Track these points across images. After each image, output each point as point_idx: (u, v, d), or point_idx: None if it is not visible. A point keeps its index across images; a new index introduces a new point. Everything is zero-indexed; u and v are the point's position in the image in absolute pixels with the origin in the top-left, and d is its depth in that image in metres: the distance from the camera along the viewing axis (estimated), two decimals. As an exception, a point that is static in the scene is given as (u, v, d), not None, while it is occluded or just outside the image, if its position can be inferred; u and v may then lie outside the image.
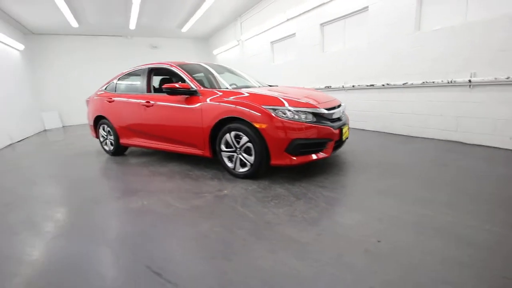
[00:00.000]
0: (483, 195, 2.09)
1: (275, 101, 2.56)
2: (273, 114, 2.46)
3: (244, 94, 2.81)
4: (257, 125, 2.50)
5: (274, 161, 2.53)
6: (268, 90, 3.06)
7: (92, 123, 4.40)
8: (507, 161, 2.84)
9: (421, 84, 3.94)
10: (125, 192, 2.64)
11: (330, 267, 1.37)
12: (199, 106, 2.92)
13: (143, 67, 3.76)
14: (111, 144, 4.22)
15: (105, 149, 4.40)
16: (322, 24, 5.66)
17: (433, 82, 3.78)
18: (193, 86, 3.03)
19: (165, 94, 3.35)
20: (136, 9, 7.18)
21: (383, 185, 2.41)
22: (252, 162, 2.64)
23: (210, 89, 3.02)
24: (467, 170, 2.66)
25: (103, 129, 4.27)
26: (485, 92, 3.30)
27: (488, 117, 3.32)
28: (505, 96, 3.13)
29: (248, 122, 2.56)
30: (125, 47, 10.73)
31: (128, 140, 3.92)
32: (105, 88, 4.30)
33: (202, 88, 3.02)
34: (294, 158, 2.49)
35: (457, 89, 3.56)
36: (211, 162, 3.46)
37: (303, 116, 2.52)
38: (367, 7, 4.59)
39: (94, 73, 10.33)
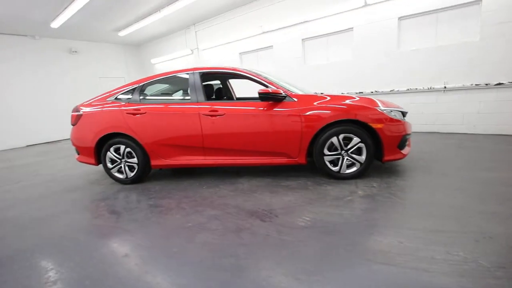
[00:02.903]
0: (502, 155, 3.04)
1: (383, 103, 2.81)
2: (387, 115, 2.71)
3: (327, 98, 2.91)
4: (374, 126, 2.67)
5: (387, 157, 2.75)
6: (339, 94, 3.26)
7: (93, 145, 3.27)
8: (487, 140, 4.11)
9: (406, 90, 5.07)
10: (256, 215, 2.21)
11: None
12: (296, 111, 2.80)
13: (189, 72, 3.18)
14: (131, 169, 3.28)
15: (116, 178, 3.35)
16: (304, 39, 6.27)
17: (416, 88, 4.96)
18: (282, 91, 2.87)
19: (234, 102, 3.03)
20: (80, 4, 5.74)
21: (447, 166, 3.05)
22: (362, 161, 2.77)
23: (297, 94, 2.93)
24: (480, 148, 3.70)
25: (115, 151, 3.26)
26: (455, 95, 4.63)
27: (458, 112, 4.66)
28: (469, 97, 4.52)
29: (361, 123, 2.70)
30: (29, 51, 8.17)
31: (167, 160, 3.17)
32: (115, 98, 3.32)
33: (293, 93, 2.91)
34: (402, 152, 2.81)
35: (435, 93, 4.82)
36: (287, 170, 3.29)
37: (398, 116, 2.88)
38: (352, 28, 5.49)
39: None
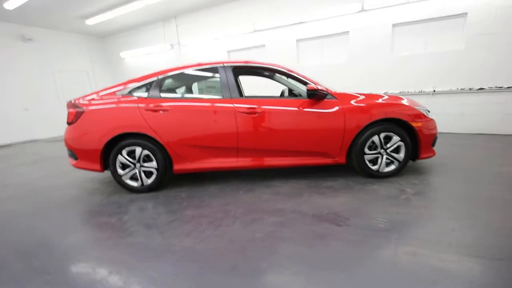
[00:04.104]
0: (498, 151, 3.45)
1: (414, 103, 2.90)
2: (423, 114, 2.81)
3: (362, 96, 2.93)
4: (414, 124, 2.74)
5: (423, 155, 2.86)
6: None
7: (100, 147, 2.74)
8: (472, 138, 4.59)
9: (399, 93, 5.41)
10: (325, 219, 2.06)
11: None
12: (340, 109, 2.73)
13: (219, 65, 2.88)
14: (148, 175, 2.84)
15: (128, 186, 2.85)
16: (298, 40, 6.29)
17: (408, 91, 5.33)
18: (322, 89, 2.77)
19: (273, 99, 2.85)
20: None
21: (461, 162, 3.33)
22: (401, 159, 2.83)
23: (337, 92, 2.87)
24: (473, 146, 4.11)
25: (128, 155, 2.79)
26: (443, 98, 5.10)
27: (445, 113, 5.13)
28: (454, 100, 5.01)
29: (402, 122, 2.75)
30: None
31: (194, 163, 2.82)
32: (128, 92, 2.85)
33: (333, 91, 2.83)
34: (434, 150, 2.94)
35: (425, 96, 5.23)
36: (320, 171, 3.19)
37: (429, 114, 3.02)
38: (348, 31, 5.68)
39: None
